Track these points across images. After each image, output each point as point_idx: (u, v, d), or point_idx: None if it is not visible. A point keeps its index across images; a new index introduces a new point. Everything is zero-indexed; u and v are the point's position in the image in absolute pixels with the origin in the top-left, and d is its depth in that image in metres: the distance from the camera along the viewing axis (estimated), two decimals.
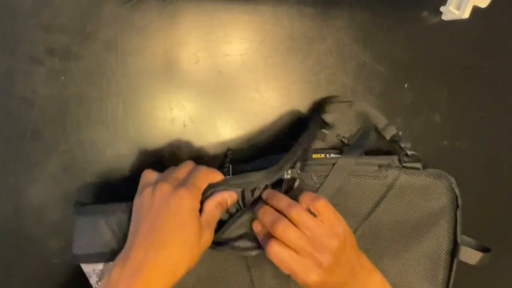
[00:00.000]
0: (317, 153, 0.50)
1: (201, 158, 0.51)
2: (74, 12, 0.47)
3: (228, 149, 0.51)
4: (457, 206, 0.49)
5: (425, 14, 0.53)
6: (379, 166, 0.49)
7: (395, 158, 0.49)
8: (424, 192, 0.49)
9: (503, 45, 0.55)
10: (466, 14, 0.48)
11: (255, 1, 0.50)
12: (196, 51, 0.49)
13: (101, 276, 0.44)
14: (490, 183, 0.57)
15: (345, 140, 0.53)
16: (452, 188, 0.49)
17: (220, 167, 0.47)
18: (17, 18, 0.46)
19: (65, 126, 0.48)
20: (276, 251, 0.40)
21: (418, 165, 0.49)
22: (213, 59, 0.50)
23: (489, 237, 0.53)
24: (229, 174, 0.47)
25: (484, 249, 0.50)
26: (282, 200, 0.42)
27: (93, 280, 0.45)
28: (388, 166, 0.49)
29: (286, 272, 0.40)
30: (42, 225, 0.49)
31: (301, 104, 0.52)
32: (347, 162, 0.48)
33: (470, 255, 0.49)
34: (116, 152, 0.49)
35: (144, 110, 0.49)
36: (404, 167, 0.49)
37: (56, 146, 0.48)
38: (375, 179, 0.48)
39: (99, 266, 0.44)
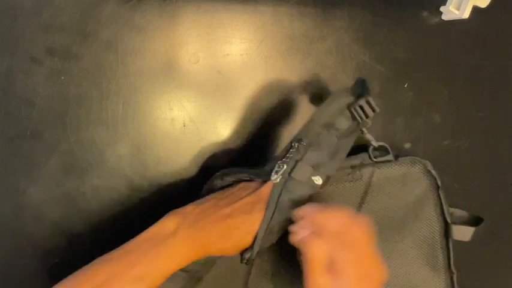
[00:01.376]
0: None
1: (201, 158, 0.51)
2: (74, 12, 0.47)
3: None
4: (438, 187, 0.49)
5: (425, 14, 0.53)
6: (352, 167, 0.49)
7: (365, 156, 0.49)
8: (403, 182, 0.49)
9: (503, 45, 0.55)
10: (466, 14, 0.49)
11: (255, 1, 0.50)
12: (196, 51, 0.49)
13: None
14: (490, 183, 0.57)
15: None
16: (429, 171, 0.49)
17: None
18: (17, 18, 0.46)
19: (65, 126, 0.48)
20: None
21: (390, 157, 0.49)
22: (213, 59, 0.50)
23: (489, 237, 0.53)
24: None
25: (476, 221, 0.50)
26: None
27: None
28: (361, 165, 0.49)
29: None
30: (42, 225, 0.49)
31: (302, 104, 0.52)
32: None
33: (463, 233, 0.50)
34: (116, 152, 0.49)
35: (144, 110, 0.49)
36: (376, 162, 0.49)
37: (56, 146, 0.48)
38: (351, 181, 0.49)
39: None
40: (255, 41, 0.50)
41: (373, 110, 0.41)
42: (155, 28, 0.48)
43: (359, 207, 0.49)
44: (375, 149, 0.49)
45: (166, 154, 0.50)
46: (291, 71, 0.51)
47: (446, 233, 0.50)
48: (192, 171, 0.51)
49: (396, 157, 0.50)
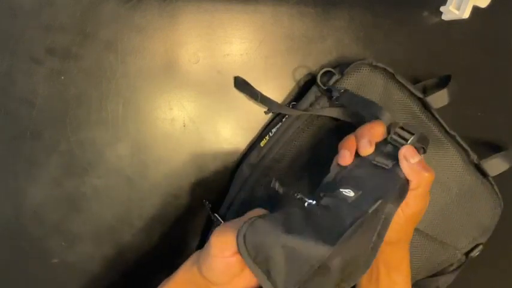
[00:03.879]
0: (261, 139, 0.50)
1: (201, 158, 0.51)
2: (74, 12, 0.47)
3: (204, 201, 0.51)
4: (392, 74, 0.48)
5: (425, 14, 0.53)
6: (307, 110, 0.48)
7: (314, 90, 0.48)
8: (360, 90, 0.48)
9: (503, 45, 0.55)
10: (466, 14, 0.49)
11: (255, 1, 0.50)
12: (196, 51, 0.49)
13: None
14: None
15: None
16: (376, 66, 0.48)
17: (208, 221, 0.50)
18: (17, 18, 0.46)
19: (65, 126, 0.48)
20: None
21: (336, 74, 0.48)
22: (213, 59, 0.50)
23: (490, 238, 0.53)
24: (220, 222, 0.48)
25: (446, 80, 0.50)
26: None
27: None
28: (316, 101, 0.48)
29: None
30: (42, 225, 0.49)
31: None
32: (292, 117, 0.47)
33: (439, 99, 0.49)
34: (116, 152, 0.49)
35: (144, 110, 0.49)
36: (327, 90, 0.47)
37: (56, 146, 0.48)
38: (319, 116, 0.48)
39: None
40: (255, 41, 0.50)
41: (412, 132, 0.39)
42: (155, 28, 0.48)
43: (336, 135, 0.47)
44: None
45: (166, 154, 0.50)
46: (291, 71, 0.51)
47: (426, 107, 0.49)
48: (192, 171, 0.51)
49: (342, 73, 0.48)
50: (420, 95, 0.49)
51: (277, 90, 0.52)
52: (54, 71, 0.47)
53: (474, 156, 0.50)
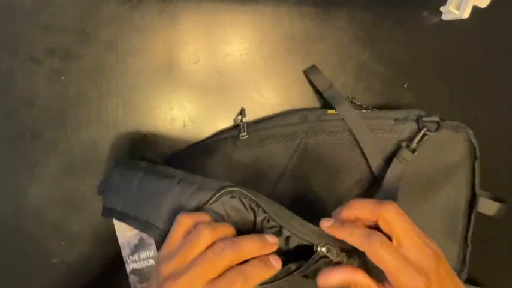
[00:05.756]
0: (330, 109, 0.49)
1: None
2: (74, 12, 0.47)
3: (242, 109, 0.50)
4: (475, 157, 0.48)
5: (425, 14, 0.53)
6: (396, 120, 0.48)
7: (411, 112, 0.49)
8: (442, 145, 0.48)
9: (503, 45, 0.55)
10: (466, 14, 0.49)
11: (255, 1, 0.50)
12: (196, 51, 0.49)
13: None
14: (490, 184, 0.57)
15: (357, 102, 0.52)
16: (470, 140, 0.48)
17: (235, 127, 0.49)
18: (17, 18, 0.46)
19: (65, 126, 0.48)
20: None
21: (435, 118, 0.48)
22: (213, 59, 0.50)
23: (488, 239, 0.53)
24: (244, 132, 0.47)
25: (500, 201, 0.49)
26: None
27: (125, 252, 0.49)
28: (405, 119, 0.48)
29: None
30: (42, 225, 0.49)
31: (301, 104, 0.52)
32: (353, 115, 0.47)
33: (488, 206, 0.49)
34: (116, 152, 0.49)
35: (144, 110, 0.50)
36: (421, 120, 0.48)
37: (56, 146, 0.48)
38: (391, 132, 0.47)
39: (134, 240, 0.49)
40: (255, 41, 0.50)
41: None
42: (155, 28, 0.48)
43: (389, 160, 0.47)
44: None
45: (166, 154, 0.50)
46: (291, 71, 0.51)
47: (472, 203, 0.49)
48: None
49: (442, 119, 0.48)
50: (477, 191, 0.49)
51: (277, 90, 0.52)
52: (54, 71, 0.47)
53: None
